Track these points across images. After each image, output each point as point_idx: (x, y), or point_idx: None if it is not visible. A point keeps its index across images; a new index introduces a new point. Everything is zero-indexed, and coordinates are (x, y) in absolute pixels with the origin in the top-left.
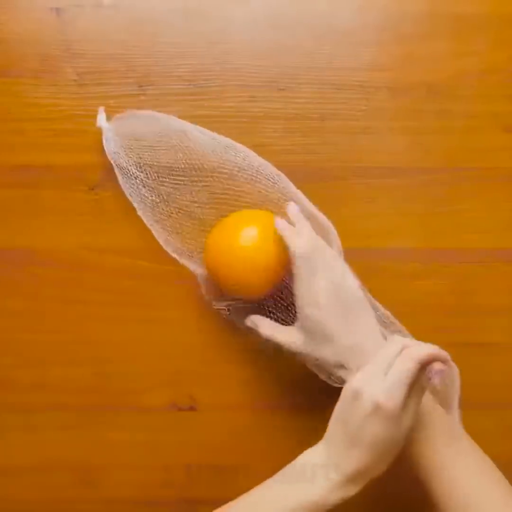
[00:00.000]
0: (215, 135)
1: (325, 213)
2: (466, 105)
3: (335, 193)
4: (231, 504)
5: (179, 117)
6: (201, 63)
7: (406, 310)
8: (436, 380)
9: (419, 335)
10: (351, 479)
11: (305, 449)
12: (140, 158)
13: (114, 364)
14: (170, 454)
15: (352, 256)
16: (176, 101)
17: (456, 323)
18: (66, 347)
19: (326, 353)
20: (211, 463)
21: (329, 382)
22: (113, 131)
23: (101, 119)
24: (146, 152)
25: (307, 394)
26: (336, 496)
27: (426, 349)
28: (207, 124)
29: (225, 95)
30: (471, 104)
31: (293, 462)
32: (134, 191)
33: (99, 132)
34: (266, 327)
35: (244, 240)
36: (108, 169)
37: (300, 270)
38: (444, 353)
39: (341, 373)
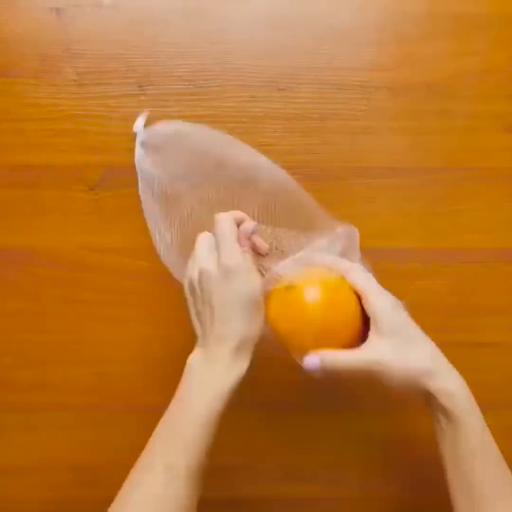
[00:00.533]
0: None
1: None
2: (466, 105)
3: (335, 193)
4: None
5: (179, 117)
6: (201, 63)
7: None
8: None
9: None
10: (237, 350)
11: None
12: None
13: (114, 364)
14: None
15: None
16: (176, 101)
17: (457, 323)
18: (66, 347)
19: (414, 357)
20: (210, 463)
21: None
22: (147, 140)
23: (139, 125)
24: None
25: (306, 395)
26: (234, 374)
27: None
28: (207, 124)
29: (225, 95)
30: (472, 104)
31: (184, 371)
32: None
33: (99, 132)
34: (338, 359)
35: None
36: (108, 169)
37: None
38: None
39: (429, 382)
